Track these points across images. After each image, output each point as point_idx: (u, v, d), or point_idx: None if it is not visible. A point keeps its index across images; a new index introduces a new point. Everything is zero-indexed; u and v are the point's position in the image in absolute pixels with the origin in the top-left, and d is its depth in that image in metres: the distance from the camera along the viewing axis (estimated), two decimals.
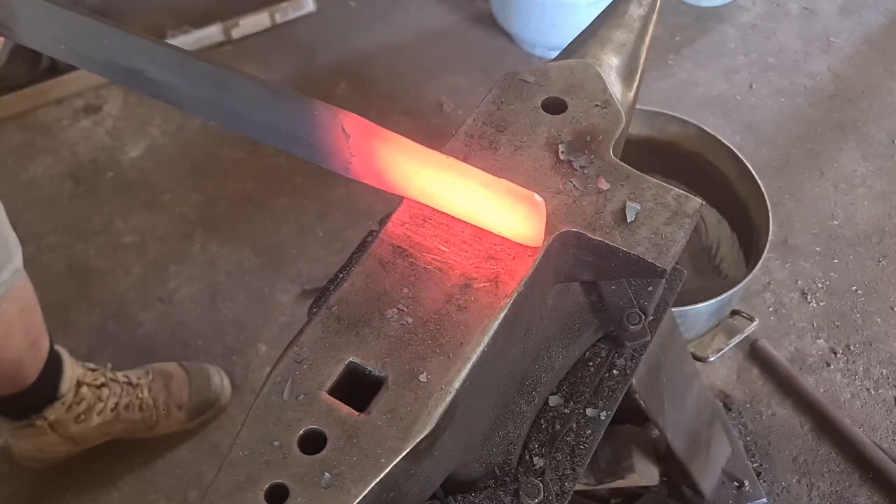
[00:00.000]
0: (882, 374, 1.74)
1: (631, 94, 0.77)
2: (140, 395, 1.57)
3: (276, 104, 0.60)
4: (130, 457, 1.63)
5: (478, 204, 0.59)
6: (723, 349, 1.60)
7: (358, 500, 0.50)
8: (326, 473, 0.50)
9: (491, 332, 0.57)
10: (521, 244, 0.60)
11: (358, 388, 0.55)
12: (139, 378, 1.60)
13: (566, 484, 0.68)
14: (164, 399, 1.60)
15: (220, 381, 1.68)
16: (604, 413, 0.72)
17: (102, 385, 1.53)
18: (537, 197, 0.56)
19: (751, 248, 1.63)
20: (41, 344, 1.41)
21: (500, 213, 0.59)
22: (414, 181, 0.59)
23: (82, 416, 1.50)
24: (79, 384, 1.49)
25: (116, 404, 1.54)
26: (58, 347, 1.47)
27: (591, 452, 0.70)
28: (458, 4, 2.61)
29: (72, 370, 1.48)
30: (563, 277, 0.67)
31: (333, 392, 0.54)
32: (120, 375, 1.58)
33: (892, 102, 2.30)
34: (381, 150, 0.57)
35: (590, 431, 0.71)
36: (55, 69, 2.29)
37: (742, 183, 1.64)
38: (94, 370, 1.54)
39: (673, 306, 0.85)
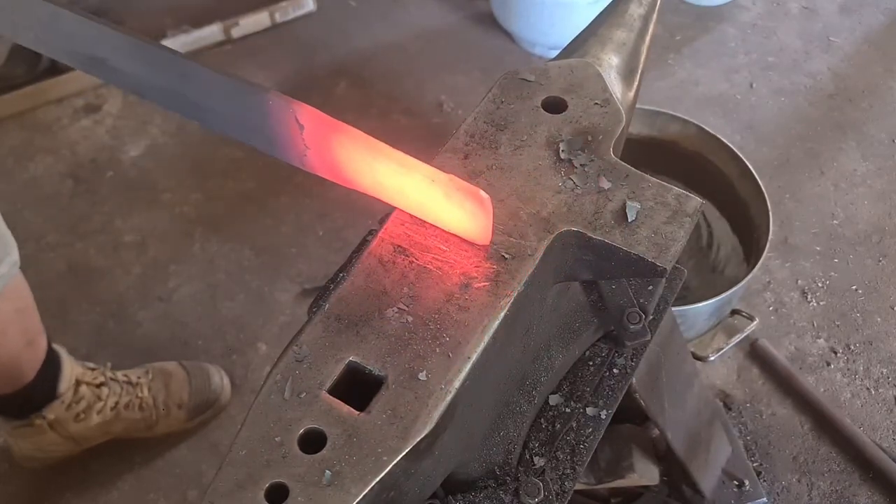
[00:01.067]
0: (882, 373, 1.74)
1: (631, 94, 0.77)
2: (140, 395, 1.57)
3: (232, 94, 0.60)
4: (130, 456, 1.63)
5: (425, 199, 0.60)
6: (723, 348, 1.60)
7: (358, 499, 0.49)
8: (328, 471, 0.50)
9: (491, 332, 0.57)
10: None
11: (358, 388, 0.55)
12: (139, 377, 1.60)
13: (566, 483, 0.68)
14: (163, 398, 1.60)
15: (220, 380, 1.68)
16: (604, 412, 0.72)
17: (102, 384, 1.53)
18: (483, 193, 0.57)
19: (751, 247, 1.63)
20: (38, 343, 1.41)
21: (446, 209, 0.59)
22: (365, 174, 0.59)
23: (82, 416, 1.49)
24: (78, 383, 1.49)
25: (116, 403, 1.54)
26: (56, 346, 1.47)
27: (591, 452, 0.70)
28: (458, 4, 2.61)
29: (70, 369, 1.48)
30: (564, 277, 0.67)
31: (333, 391, 0.54)
32: (119, 375, 1.58)
33: (892, 102, 2.30)
34: (334, 141, 0.58)
35: (590, 430, 0.71)
36: (55, 68, 2.29)
37: (742, 182, 1.64)
38: (93, 369, 1.54)
39: (673, 305, 0.85)
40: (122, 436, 1.59)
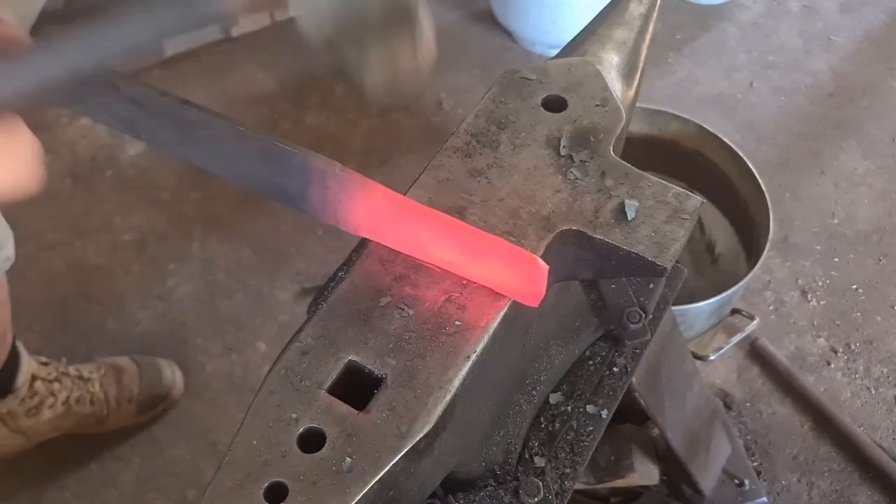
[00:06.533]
0: (882, 372, 1.74)
1: (631, 93, 0.77)
2: (91, 390, 1.57)
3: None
4: (129, 456, 1.63)
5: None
6: (723, 348, 1.59)
7: (357, 498, 0.49)
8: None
9: (491, 331, 0.56)
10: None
11: (357, 387, 0.55)
12: (91, 372, 1.60)
13: (566, 483, 0.68)
14: (114, 393, 1.60)
15: (171, 374, 1.68)
16: (604, 411, 0.72)
17: (55, 379, 1.53)
18: (541, 262, 0.56)
19: (751, 246, 1.63)
20: (7, 337, 1.42)
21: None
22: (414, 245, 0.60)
23: (34, 410, 1.50)
24: (33, 378, 1.49)
25: (67, 398, 1.53)
26: (16, 342, 1.47)
27: (591, 451, 0.70)
28: (457, 2, 2.60)
29: (27, 364, 1.49)
30: (563, 276, 0.67)
31: (333, 390, 0.54)
32: (72, 370, 1.58)
33: (892, 101, 2.30)
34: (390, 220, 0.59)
35: (590, 430, 0.71)
36: None
37: (742, 181, 1.63)
38: (46, 364, 1.54)
39: (673, 305, 0.85)
40: (74, 430, 1.58)
